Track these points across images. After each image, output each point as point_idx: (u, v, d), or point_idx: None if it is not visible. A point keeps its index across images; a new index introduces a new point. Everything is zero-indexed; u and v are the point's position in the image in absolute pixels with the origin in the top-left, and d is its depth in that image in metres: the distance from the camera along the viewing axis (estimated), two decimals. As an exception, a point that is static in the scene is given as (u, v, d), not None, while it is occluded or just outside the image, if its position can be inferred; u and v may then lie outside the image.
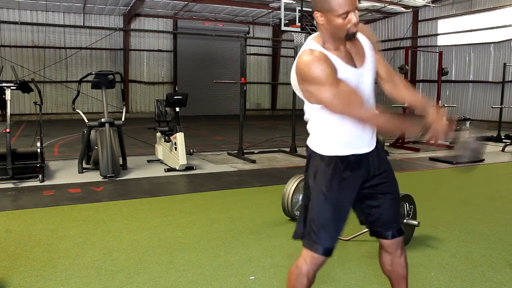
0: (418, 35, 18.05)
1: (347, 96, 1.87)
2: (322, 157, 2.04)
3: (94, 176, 6.31)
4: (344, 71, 1.91)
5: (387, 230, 2.13)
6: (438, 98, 10.69)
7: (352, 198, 2.07)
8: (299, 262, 2.09)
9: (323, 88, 1.85)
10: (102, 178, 6.17)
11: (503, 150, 9.55)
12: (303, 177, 4.27)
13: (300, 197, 4.31)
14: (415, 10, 17.67)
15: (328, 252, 2.03)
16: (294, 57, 8.80)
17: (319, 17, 1.89)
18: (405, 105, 2.15)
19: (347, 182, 2.02)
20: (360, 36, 2.01)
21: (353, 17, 1.84)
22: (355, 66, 1.97)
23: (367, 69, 1.99)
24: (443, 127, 1.90)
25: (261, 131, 13.29)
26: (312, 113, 2.04)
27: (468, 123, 11.13)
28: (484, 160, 8.25)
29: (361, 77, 1.97)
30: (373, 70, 2.04)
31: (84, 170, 6.63)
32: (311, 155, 2.09)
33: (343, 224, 2.08)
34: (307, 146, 2.13)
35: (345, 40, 1.93)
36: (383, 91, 2.16)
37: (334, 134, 2.02)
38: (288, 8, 11.49)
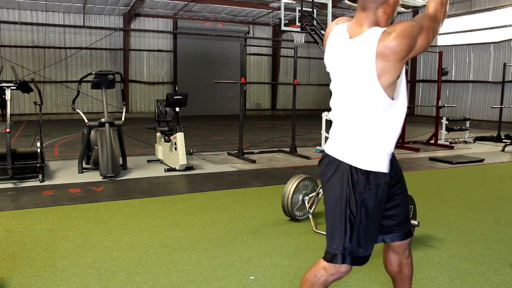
0: (418, 35, 18.03)
1: (435, 15, 1.92)
2: (362, 171, 1.91)
3: (94, 176, 6.31)
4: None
5: (401, 231, 2.11)
6: (438, 98, 10.69)
7: (384, 206, 2.03)
8: (319, 271, 1.99)
9: (420, 26, 1.80)
10: (102, 178, 6.17)
11: (503, 150, 9.55)
12: (303, 177, 4.30)
13: (300, 197, 4.32)
14: (415, 10, 17.68)
15: (361, 261, 1.98)
16: (294, 57, 8.83)
17: (382, 9, 1.88)
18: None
19: (382, 193, 1.97)
20: None
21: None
22: None
23: None
24: None
25: (261, 131, 13.29)
26: (368, 118, 1.89)
27: (468, 123, 11.14)
28: (484, 160, 8.26)
29: None
30: None
31: (84, 170, 6.63)
32: (344, 165, 1.93)
33: (378, 228, 2.06)
34: (326, 154, 2.02)
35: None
36: None
37: (384, 144, 1.93)
38: (288, 8, 11.51)
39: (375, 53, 1.76)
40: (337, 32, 1.98)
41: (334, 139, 2.02)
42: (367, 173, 1.91)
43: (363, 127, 1.91)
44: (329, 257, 1.97)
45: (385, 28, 1.80)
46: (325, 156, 2.05)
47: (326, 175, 2.02)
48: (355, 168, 1.91)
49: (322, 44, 9.84)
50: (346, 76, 1.91)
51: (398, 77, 1.84)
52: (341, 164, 1.94)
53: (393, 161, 2.05)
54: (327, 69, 2.07)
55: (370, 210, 1.93)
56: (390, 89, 1.83)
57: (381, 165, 1.93)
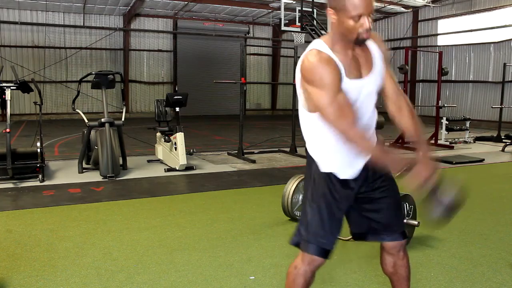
0: (418, 35, 18.05)
1: (342, 108, 1.81)
2: (319, 169, 2.03)
3: (94, 176, 6.31)
4: (346, 81, 1.85)
5: (389, 234, 2.10)
6: (438, 98, 10.69)
7: (345, 206, 2.07)
8: (297, 262, 2.11)
9: (322, 92, 1.80)
10: (102, 178, 6.17)
11: (503, 150, 9.55)
12: (303, 177, 4.29)
13: (300, 198, 4.31)
14: (415, 10, 17.68)
15: (322, 253, 2.04)
16: (294, 57, 8.83)
17: (331, 14, 1.82)
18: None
19: (342, 196, 2.03)
20: (371, 43, 1.94)
21: (366, 22, 1.77)
22: (360, 75, 1.90)
23: (372, 80, 1.93)
24: (426, 172, 1.87)
25: (261, 131, 13.29)
26: (312, 123, 1.99)
27: (468, 123, 11.14)
28: (484, 160, 8.26)
29: (364, 88, 1.91)
30: (379, 82, 1.96)
31: (84, 170, 6.63)
32: (310, 162, 2.08)
33: (339, 226, 2.08)
34: (306, 150, 2.12)
35: (355, 45, 1.87)
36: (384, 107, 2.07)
37: (336, 151, 1.97)
38: (288, 8, 11.51)
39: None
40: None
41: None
42: (322, 173, 2.02)
43: (313, 134, 2.03)
44: (301, 247, 2.09)
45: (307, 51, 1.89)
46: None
47: (305, 169, 2.17)
48: (314, 161, 2.04)
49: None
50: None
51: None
52: (309, 160, 2.07)
53: (372, 167, 2.02)
54: None
55: (326, 206, 2.01)
56: (308, 107, 1.96)
57: (333, 168, 2.00)
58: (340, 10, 1.78)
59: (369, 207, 2.08)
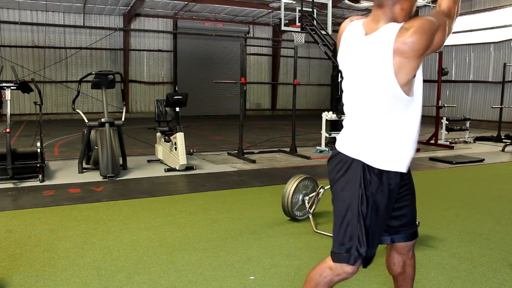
0: (418, 35, 18.04)
1: (444, 15, 1.83)
2: (376, 171, 1.87)
3: (94, 176, 6.31)
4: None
5: (407, 232, 2.09)
6: (438, 98, 10.69)
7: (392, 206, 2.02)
8: (324, 269, 1.97)
9: (438, 21, 1.76)
10: (102, 178, 6.17)
11: (503, 150, 9.55)
12: (303, 177, 4.30)
13: (300, 197, 4.31)
14: (415, 10, 17.68)
15: (367, 262, 1.96)
16: (294, 57, 8.83)
17: (399, 9, 1.80)
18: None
19: (393, 195, 1.95)
20: None
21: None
22: None
23: None
24: None
25: (261, 131, 13.29)
26: (384, 115, 1.84)
27: (468, 123, 11.14)
28: (484, 160, 8.26)
29: None
30: None
31: (84, 170, 6.63)
32: (353, 164, 1.90)
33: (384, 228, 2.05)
34: (337, 153, 1.97)
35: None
36: None
37: (401, 142, 1.88)
38: (288, 8, 11.50)
39: (392, 49, 1.70)
40: (352, 29, 1.92)
41: (347, 137, 1.96)
42: (380, 173, 1.87)
43: (378, 125, 1.86)
44: (337, 257, 1.94)
45: (402, 24, 1.73)
46: (335, 155, 2.00)
47: (336, 175, 1.97)
48: (368, 168, 1.87)
49: (322, 44, 9.77)
50: (361, 73, 1.85)
51: (415, 74, 1.79)
52: (354, 163, 1.89)
53: None
54: (340, 67, 2.01)
55: (380, 211, 1.91)
56: (407, 87, 1.78)
57: (396, 164, 1.90)
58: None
59: (397, 205, 2.04)
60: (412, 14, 1.84)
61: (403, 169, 1.92)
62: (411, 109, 1.85)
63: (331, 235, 2.07)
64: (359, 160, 1.88)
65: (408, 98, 1.81)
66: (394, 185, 1.92)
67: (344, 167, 1.93)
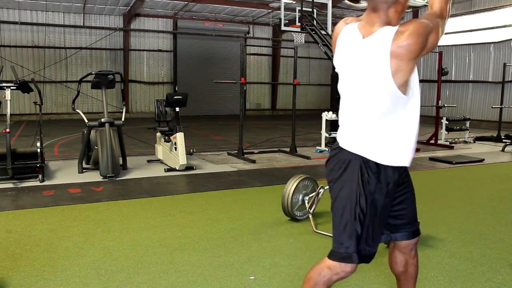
0: (418, 35, 18.03)
1: (436, 17, 1.88)
2: (373, 164, 1.91)
3: (94, 176, 6.30)
4: None
5: (408, 230, 2.11)
6: (438, 98, 10.69)
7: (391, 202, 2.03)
8: (323, 268, 1.98)
9: (432, 23, 1.82)
10: (102, 178, 6.17)
11: (503, 150, 9.55)
12: (303, 177, 4.30)
13: (300, 197, 4.31)
14: (415, 10, 17.67)
15: (367, 258, 1.97)
16: (294, 57, 8.83)
17: (393, 9, 1.87)
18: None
19: (391, 192, 1.98)
20: None
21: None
22: None
23: None
24: None
25: (261, 131, 13.29)
26: (382, 115, 1.89)
27: (468, 123, 11.14)
28: (484, 160, 8.26)
29: None
30: None
31: (84, 170, 6.63)
32: (355, 161, 1.93)
33: (384, 225, 2.06)
34: (335, 153, 2.02)
35: None
36: None
37: (404, 138, 1.92)
38: (288, 8, 11.50)
39: (389, 52, 1.77)
40: (348, 32, 1.97)
41: (347, 135, 2.00)
42: (378, 171, 1.91)
43: (378, 123, 1.90)
44: (336, 256, 1.96)
45: (397, 27, 1.79)
46: (333, 156, 2.04)
47: (334, 174, 2.00)
48: (366, 166, 1.91)
49: (322, 44, 9.75)
50: (360, 75, 1.90)
51: (411, 74, 1.86)
52: (352, 162, 1.93)
53: None
54: (337, 69, 2.05)
55: (379, 209, 1.94)
56: (404, 87, 1.85)
57: (397, 159, 1.93)
58: (397, 3, 1.86)
59: (397, 203, 2.06)
60: (404, 15, 1.92)
61: (406, 163, 1.96)
62: (409, 107, 1.91)
63: (331, 235, 2.08)
64: (357, 158, 1.92)
65: (406, 97, 1.87)
66: (392, 183, 1.95)
67: (342, 167, 1.96)
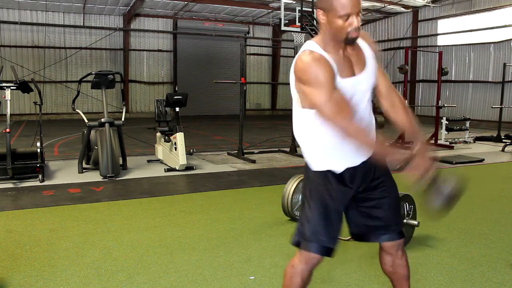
0: (418, 35, 18.05)
1: (339, 104, 1.83)
2: (313, 170, 2.06)
3: (94, 176, 6.30)
4: (339, 80, 1.87)
5: (389, 232, 2.11)
6: (438, 98, 10.68)
7: (344, 204, 2.08)
8: (294, 261, 2.12)
9: (318, 91, 1.81)
10: (102, 178, 6.17)
11: (503, 150, 9.55)
12: (303, 177, 4.30)
13: (300, 197, 4.31)
14: (415, 10, 17.67)
15: (323, 251, 2.04)
16: (294, 57, 8.81)
17: (320, 15, 1.86)
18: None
19: (339, 194, 2.04)
20: (361, 42, 1.97)
21: (355, 21, 1.79)
22: (353, 73, 1.92)
23: (365, 77, 1.95)
24: (425, 164, 1.88)
25: (261, 131, 13.29)
26: (305, 121, 1.99)
27: (468, 123, 11.14)
28: (484, 160, 8.26)
29: (358, 85, 1.92)
30: (372, 80, 1.99)
31: (84, 170, 6.63)
32: (306, 166, 2.11)
33: (339, 224, 2.08)
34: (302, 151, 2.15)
35: (345, 44, 1.89)
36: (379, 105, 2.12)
37: (328, 145, 1.98)
38: (288, 8, 11.49)
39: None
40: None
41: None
42: (323, 172, 2.03)
43: (306, 130, 2.03)
44: (300, 246, 2.11)
45: (299, 54, 1.92)
46: None
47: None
48: (312, 172, 2.06)
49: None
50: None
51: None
52: (307, 164, 2.10)
53: (370, 167, 2.04)
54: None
55: (323, 205, 2.03)
56: (300, 102, 1.97)
57: (329, 165, 2.02)
58: (329, 10, 1.81)
59: (369, 207, 2.09)
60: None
61: (339, 168, 2.01)
62: (315, 117, 1.95)
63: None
64: (306, 161, 2.10)
65: (311, 113, 1.94)
66: (335, 184, 2.02)
67: (306, 164, 2.13)
